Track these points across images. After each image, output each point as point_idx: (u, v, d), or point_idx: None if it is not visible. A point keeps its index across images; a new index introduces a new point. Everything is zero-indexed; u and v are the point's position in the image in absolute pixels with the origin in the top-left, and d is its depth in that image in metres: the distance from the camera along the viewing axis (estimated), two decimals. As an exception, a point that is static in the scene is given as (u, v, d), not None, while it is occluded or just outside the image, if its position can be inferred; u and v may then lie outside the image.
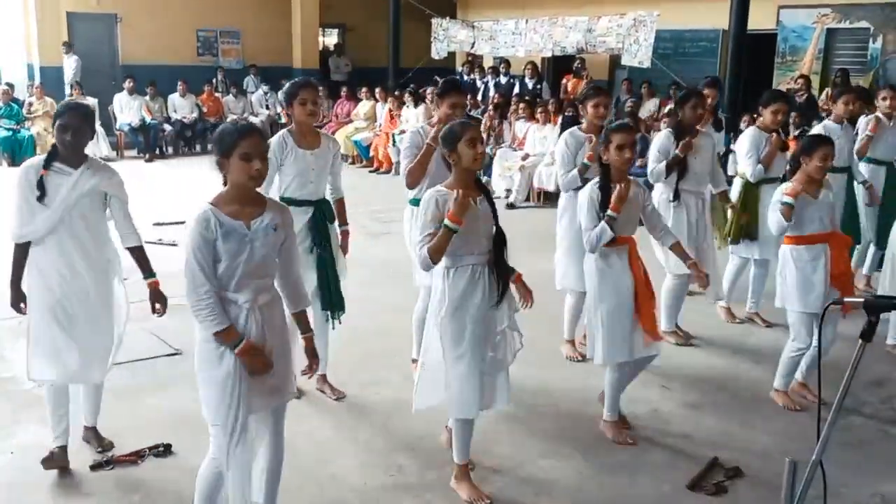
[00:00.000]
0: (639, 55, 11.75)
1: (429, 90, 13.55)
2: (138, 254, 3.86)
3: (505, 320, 3.60)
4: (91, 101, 14.01)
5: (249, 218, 2.92)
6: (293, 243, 3.13)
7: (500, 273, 3.52)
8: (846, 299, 2.00)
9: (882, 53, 11.25)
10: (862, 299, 1.95)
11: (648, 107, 12.24)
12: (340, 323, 4.58)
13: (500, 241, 3.55)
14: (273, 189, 4.35)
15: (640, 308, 4.07)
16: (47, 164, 3.59)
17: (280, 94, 4.01)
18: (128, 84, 14.09)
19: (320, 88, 14.23)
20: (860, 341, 1.98)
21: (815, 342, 4.54)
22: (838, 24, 11.71)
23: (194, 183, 11.78)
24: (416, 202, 4.39)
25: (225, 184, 2.95)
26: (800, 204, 4.39)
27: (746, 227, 5.73)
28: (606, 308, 4.09)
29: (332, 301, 4.50)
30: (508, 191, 10.94)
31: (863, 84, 10.98)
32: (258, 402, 3.02)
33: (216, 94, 15.37)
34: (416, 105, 13.03)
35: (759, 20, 10.72)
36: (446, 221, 3.33)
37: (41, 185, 3.54)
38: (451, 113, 4.46)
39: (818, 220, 4.47)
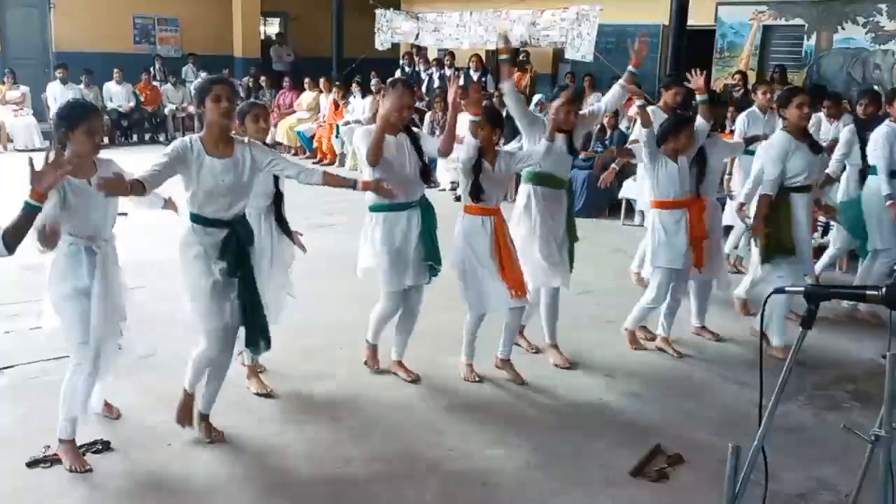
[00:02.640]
0: (582, 49, 11.87)
1: (373, 83, 13.47)
2: None
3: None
4: (23, 89, 13.63)
5: (88, 176, 3.59)
6: None
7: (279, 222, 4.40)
8: (787, 288, 2.05)
9: (816, 50, 11.57)
10: (802, 287, 2.00)
11: (591, 100, 12.36)
12: (256, 357, 4.32)
13: (277, 198, 4.47)
14: (183, 204, 3.85)
15: (504, 269, 4.59)
16: None
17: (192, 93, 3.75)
18: (60, 73, 13.68)
19: (263, 79, 13.73)
20: (800, 329, 2.04)
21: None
22: (774, 21, 12.00)
23: (131, 172, 11.47)
24: (376, 208, 4.51)
25: (64, 149, 3.48)
26: (660, 167, 5.05)
27: (780, 241, 5.20)
28: (466, 266, 4.64)
29: (256, 335, 3.92)
30: (454, 183, 10.94)
31: (797, 81, 11.30)
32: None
33: (154, 83, 15.04)
34: (363, 95, 12.94)
35: (698, 16, 10.93)
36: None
37: None
38: (398, 113, 4.41)
39: (678, 184, 5.06)
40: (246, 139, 3.92)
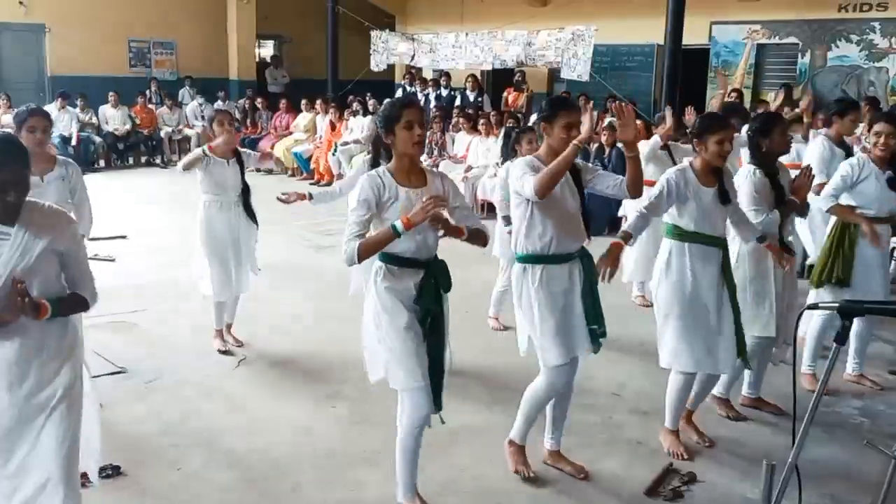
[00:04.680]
0: (577, 69, 11.95)
1: (370, 103, 13.50)
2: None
3: None
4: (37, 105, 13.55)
5: (42, 173, 4.01)
6: (83, 190, 4.25)
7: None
8: (821, 304, 2.05)
9: (810, 68, 11.68)
10: (837, 304, 2.00)
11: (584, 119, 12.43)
12: (443, 422, 3.55)
13: (245, 190, 5.33)
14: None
15: None
16: None
17: (377, 119, 3.38)
18: (58, 102, 13.55)
19: (259, 101, 13.78)
20: (834, 345, 2.04)
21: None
22: (768, 39, 12.12)
23: (128, 196, 11.52)
24: (528, 259, 3.69)
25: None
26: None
27: (840, 269, 4.88)
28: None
29: (439, 395, 3.44)
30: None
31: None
32: None
33: (150, 106, 15.06)
34: (364, 114, 12.99)
35: (692, 35, 11.01)
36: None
37: None
38: (567, 137, 3.59)
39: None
40: (433, 168, 3.51)
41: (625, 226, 4.07)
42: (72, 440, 2.81)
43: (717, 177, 4.07)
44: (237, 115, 15.40)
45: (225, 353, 5.46)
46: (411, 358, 3.27)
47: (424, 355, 3.30)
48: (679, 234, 4.10)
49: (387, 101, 3.52)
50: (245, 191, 5.38)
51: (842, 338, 2.03)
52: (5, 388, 2.68)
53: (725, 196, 4.06)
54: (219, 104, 15.59)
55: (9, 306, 2.53)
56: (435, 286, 3.31)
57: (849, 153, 5.38)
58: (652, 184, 4.28)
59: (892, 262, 7.29)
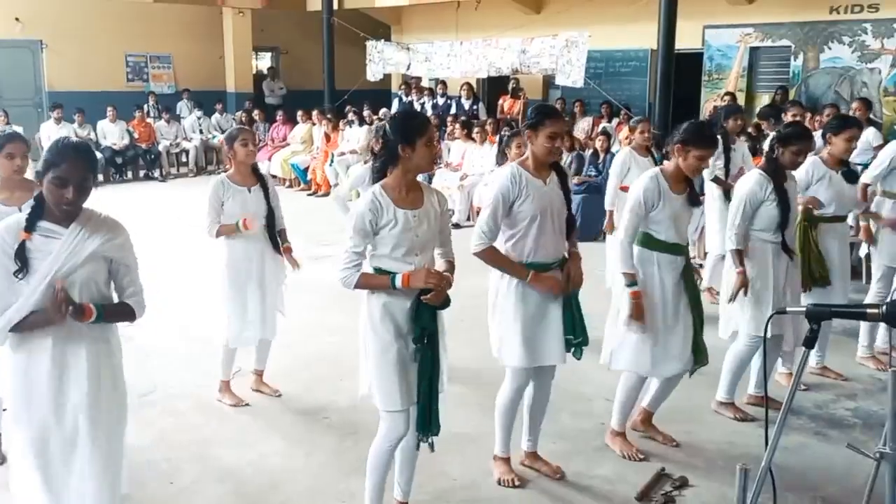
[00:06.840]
0: (572, 75, 11.98)
1: (366, 113, 13.53)
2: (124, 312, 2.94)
3: None
4: (16, 130, 13.67)
5: (20, 202, 3.70)
6: None
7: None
8: (788, 308, 2.07)
9: (803, 70, 11.70)
10: (804, 308, 2.02)
11: (582, 125, 12.48)
12: (433, 450, 3.44)
13: (270, 216, 4.63)
14: (366, 264, 3.28)
15: None
16: (30, 225, 2.72)
17: (392, 128, 3.24)
18: (56, 113, 13.67)
19: (256, 112, 13.57)
20: (803, 349, 2.05)
21: None
22: (761, 42, 12.15)
23: (126, 210, 11.53)
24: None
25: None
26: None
27: (818, 269, 5.00)
28: None
29: (428, 417, 3.32)
30: (450, 211, 10.97)
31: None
32: None
33: (148, 120, 15.10)
34: (360, 124, 13.04)
35: (685, 40, 11.05)
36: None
37: (22, 255, 2.68)
38: (551, 146, 3.63)
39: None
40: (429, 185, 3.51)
41: (621, 267, 4.05)
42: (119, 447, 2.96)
43: (688, 183, 4.12)
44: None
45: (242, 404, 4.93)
46: (392, 381, 3.23)
47: (408, 379, 3.25)
48: (647, 242, 4.09)
49: (402, 111, 3.52)
50: (270, 218, 4.77)
51: (810, 341, 2.04)
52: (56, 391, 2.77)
53: (695, 200, 4.14)
54: (217, 117, 15.66)
55: (54, 306, 2.61)
56: (430, 306, 3.23)
57: (852, 176, 5.09)
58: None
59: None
